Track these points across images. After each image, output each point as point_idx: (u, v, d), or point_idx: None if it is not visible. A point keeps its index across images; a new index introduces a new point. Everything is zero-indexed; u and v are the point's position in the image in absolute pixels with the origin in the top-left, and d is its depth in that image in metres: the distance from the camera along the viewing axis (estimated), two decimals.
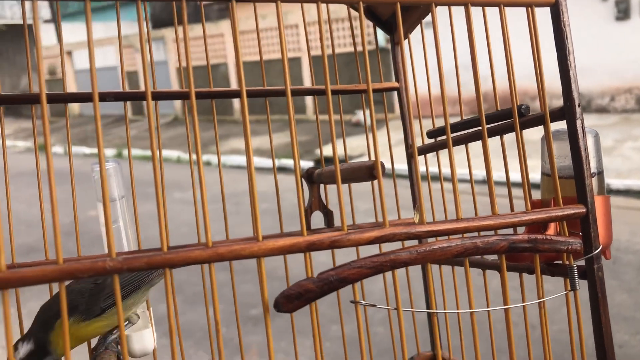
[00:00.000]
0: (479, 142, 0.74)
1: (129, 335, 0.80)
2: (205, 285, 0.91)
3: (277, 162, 7.34)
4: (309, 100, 10.02)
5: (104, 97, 0.90)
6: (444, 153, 0.90)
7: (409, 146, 0.98)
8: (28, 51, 0.92)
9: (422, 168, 0.93)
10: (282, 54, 0.55)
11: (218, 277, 0.67)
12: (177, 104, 11.70)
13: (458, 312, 0.56)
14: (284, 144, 8.42)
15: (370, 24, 1.01)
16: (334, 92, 0.99)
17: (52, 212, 0.47)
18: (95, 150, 9.51)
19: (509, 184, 0.64)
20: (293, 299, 0.53)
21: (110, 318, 0.76)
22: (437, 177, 1.17)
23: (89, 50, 0.49)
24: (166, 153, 8.95)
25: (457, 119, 0.79)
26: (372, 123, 0.57)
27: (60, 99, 0.89)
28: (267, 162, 7.75)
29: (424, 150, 0.90)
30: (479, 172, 5.03)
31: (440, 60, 0.57)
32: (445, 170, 0.89)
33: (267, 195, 3.45)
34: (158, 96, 0.94)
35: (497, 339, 0.74)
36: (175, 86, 12.11)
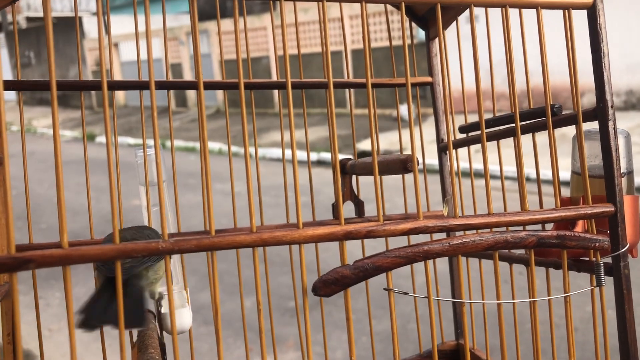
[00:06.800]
0: (510, 138, 0.76)
1: (165, 313, 0.84)
2: (241, 276, 0.95)
3: (317, 156, 7.38)
4: (349, 93, 9.98)
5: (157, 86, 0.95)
6: (473, 148, 0.92)
7: (440, 140, 1.00)
8: (79, 43, 0.97)
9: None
10: (325, 47, 0.58)
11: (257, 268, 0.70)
12: (220, 96, 11.86)
13: (484, 303, 0.59)
14: (325, 137, 8.45)
15: (406, 18, 1.04)
16: (372, 86, 1.00)
17: (111, 196, 0.52)
18: (139, 141, 9.70)
19: (539, 181, 0.66)
20: (330, 284, 0.56)
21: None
22: (466, 173, 1.18)
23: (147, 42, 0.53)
24: (208, 145, 9.09)
25: (490, 115, 0.81)
26: (409, 118, 0.60)
27: (116, 87, 0.95)
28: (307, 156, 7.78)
29: (456, 145, 0.92)
30: (509, 168, 4.98)
31: (477, 58, 0.60)
32: (476, 166, 0.90)
33: (307, 187, 3.49)
34: (205, 86, 0.98)
35: (520, 332, 0.77)
36: (217, 78, 12.25)
